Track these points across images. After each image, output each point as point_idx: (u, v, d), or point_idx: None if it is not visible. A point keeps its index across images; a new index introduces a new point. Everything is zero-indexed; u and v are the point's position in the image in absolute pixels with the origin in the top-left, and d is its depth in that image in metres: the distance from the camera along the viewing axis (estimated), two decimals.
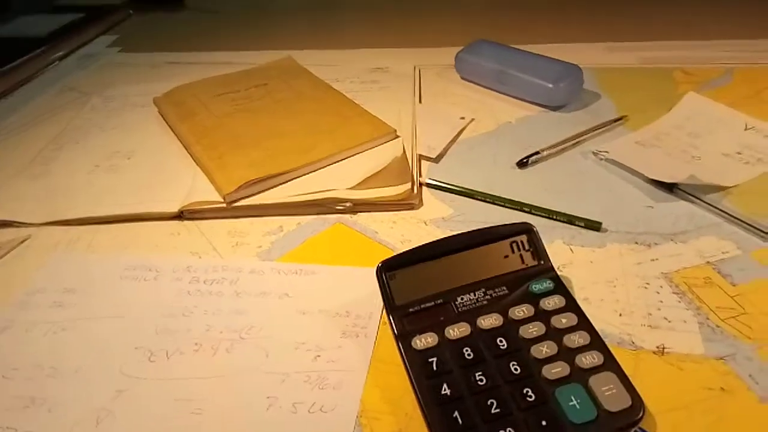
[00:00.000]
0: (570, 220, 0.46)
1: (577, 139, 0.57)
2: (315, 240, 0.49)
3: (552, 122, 0.61)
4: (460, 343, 0.35)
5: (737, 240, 0.43)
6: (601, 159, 0.54)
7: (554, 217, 0.47)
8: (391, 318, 0.37)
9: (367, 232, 0.49)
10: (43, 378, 0.39)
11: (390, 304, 0.37)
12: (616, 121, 0.59)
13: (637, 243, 0.44)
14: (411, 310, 0.37)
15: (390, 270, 0.38)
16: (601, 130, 0.58)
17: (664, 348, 0.36)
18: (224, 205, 0.52)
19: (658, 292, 0.40)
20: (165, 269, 0.47)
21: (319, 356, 0.38)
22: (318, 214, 0.51)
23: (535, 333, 0.35)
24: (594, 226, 0.46)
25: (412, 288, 0.38)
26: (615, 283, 0.41)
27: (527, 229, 0.40)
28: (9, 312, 0.44)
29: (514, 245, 0.39)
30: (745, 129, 0.54)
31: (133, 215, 0.53)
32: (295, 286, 0.44)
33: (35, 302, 0.45)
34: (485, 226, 0.40)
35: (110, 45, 0.98)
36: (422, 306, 0.37)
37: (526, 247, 0.39)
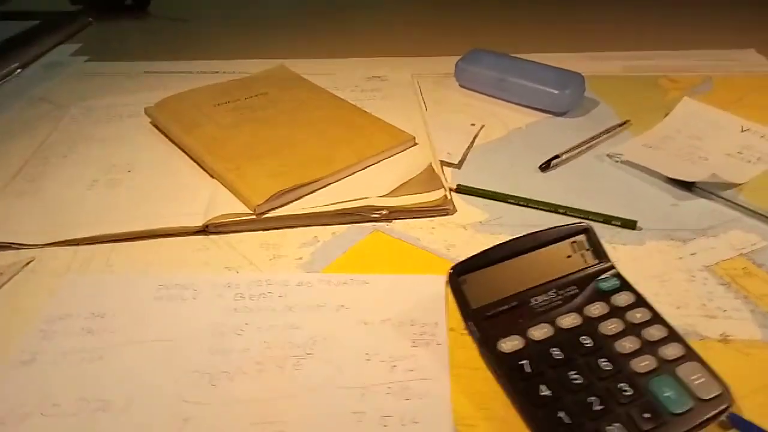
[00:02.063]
0: (606, 219, 0.48)
1: (590, 143, 0.59)
2: (357, 249, 0.47)
3: (560, 128, 0.63)
4: (546, 343, 0.35)
5: (761, 232, 0.47)
6: (616, 161, 0.57)
7: (590, 217, 0.48)
8: (469, 323, 0.37)
9: (408, 239, 0.48)
10: (91, 413, 0.35)
11: (466, 309, 0.37)
12: (621, 125, 0.62)
13: (672, 239, 0.46)
14: (488, 313, 0.37)
15: (462, 274, 0.38)
16: (610, 134, 0.60)
17: (726, 336, 0.38)
18: (254, 216, 0.50)
19: (704, 284, 0.42)
20: (203, 286, 0.44)
21: (395, 366, 0.37)
22: (351, 222, 0.50)
23: (614, 329, 0.36)
24: (630, 224, 0.47)
25: (486, 291, 0.38)
26: (663, 278, 0.43)
27: (585, 229, 0.41)
28: (30, 343, 0.40)
29: (575, 245, 0.40)
30: (742, 131, 0.58)
31: (152, 231, 0.49)
32: (350, 297, 0.43)
33: (59, 330, 0.41)
34: (544, 228, 0.41)
35: (74, 53, 0.91)
36: (499, 309, 0.37)
37: (586, 246, 0.40)
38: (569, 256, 0.40)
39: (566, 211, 0.49)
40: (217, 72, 0.80)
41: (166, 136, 0.63)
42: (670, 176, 0.52)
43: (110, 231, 0.49)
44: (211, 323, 0.41)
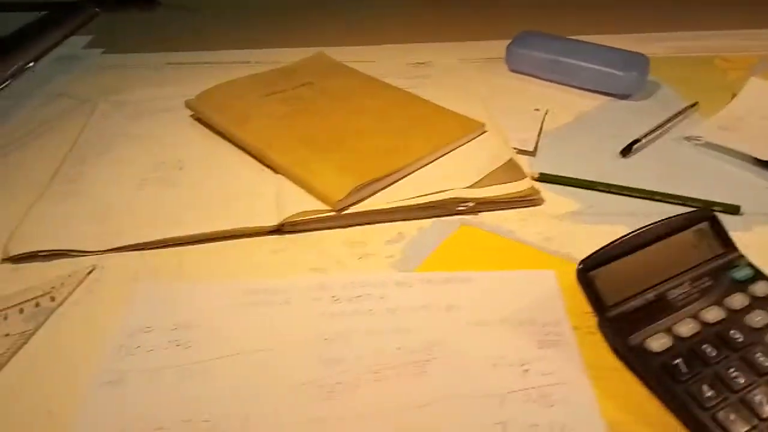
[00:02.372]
0: (706, 205, 0.46)
1: (665, 127, 0.57)
2: (448, 244, 0.44)
3: (627, 111, 0.61)
4: (696, 340, 0.33)
5: None
6: (696, 144, 0.55)
7: (688, 203, 0.46)
8: (605, 321, 0.34)
9: (501, 231, 0.45)
10: None
11: (601, 306, 0.34)
12: (690, 107, 0.60)
13: None
14: (625, 309, 0.34)
15: (592, 269, 0.35)
16: (681, 117, 0.58)
17: None
18: (333, 213, 0.46)
19: None
20: (293, 290, 0.41)
21: (527, 371, 0.34)
22: (434, 216, 0.47)
23: (762, 321, 0.34)
24: (732, 209, 0.45)
25: (619, 286, 0.35)
26: None
27: (708, 217, 0.38)
28: (112, 360, 0.37)
29: (699, 234, 0.38)
30: None
31: (224, 232, 0.46)
32: (457, 296, 0.40)
33: (143, 345, 0.38)
34: (665, 218, 0.38)
35: (86, 46, 0.86)
36: (635, 304, 0.35)
37: (711, 235, 0.38)
38: (695, 246, 0.37)
39: (662, 197, 0.47)
40: (248, 62, 0.76)
41: (213, 130, 0.59)
42: (760, 157, 0.50)
43: (178, 234, 0.46)
44: (313, 330, 0.38)
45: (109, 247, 0.45)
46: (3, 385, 0.36)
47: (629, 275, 0.35)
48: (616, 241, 0.36)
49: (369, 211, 0.47)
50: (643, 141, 0.54)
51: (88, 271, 0.44)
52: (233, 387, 0.35)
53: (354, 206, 0.47)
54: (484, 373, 0.34)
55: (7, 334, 0.39)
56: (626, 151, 0.53)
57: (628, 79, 0.61)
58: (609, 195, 0.49)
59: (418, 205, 0.47)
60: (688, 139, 0.55)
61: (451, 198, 0.47)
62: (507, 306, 0.39)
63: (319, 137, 0.54)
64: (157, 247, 0.46)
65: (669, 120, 0.57)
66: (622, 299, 0.35)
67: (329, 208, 0.46)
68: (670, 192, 0.47)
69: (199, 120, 0.61)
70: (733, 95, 0.61)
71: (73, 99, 0.70)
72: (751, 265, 0.37)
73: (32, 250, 0.45)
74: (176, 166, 0.55)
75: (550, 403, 0.33)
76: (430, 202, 0.47)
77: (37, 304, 0.42)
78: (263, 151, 0.53)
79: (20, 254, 0.45)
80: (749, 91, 0.61)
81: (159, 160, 0.56)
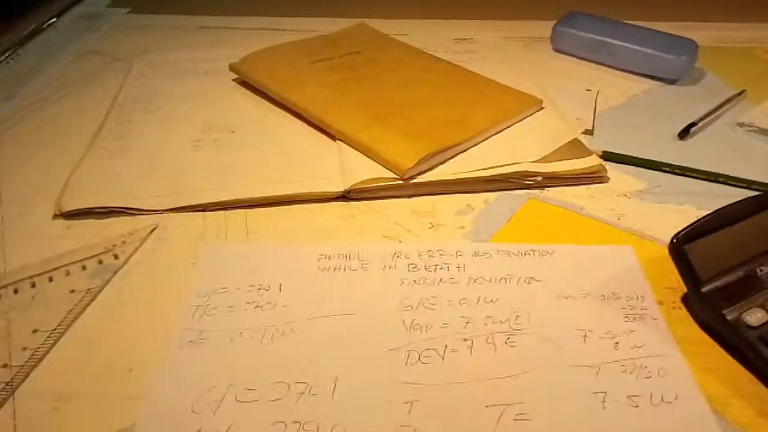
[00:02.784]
0: None
1: (717, 112, 0.57)
2: (519, 217, 0.44)
3: (678, 95, 0.61)
4: None
5: None
6: (748, 130, 0.55)
7: (752, 187, 0.46)
8: (699, 295, 0.34)
9: (571, 207, 0.45)
10: (296, 396, 0.31)
11: (695, 280, 0.34)
12: (738, 95, 0.60)
13: None
14: (717, 284, 0.34)
15: (687, 242, 0.35)
16: (731, 104, 0.59)
17: None
18: (401, 182, 0.45)
19: None
20: (370, 257, 0.40)
21: (617, 343, 0.34)
22: (502, 190, 0.47)
23: None
24: None
25: (711, 261, 0.35)
26: None
27: None
28: (190, 320, 0.36)
29: None
30: None
31: (290, 196, 0.45)
32: (537, 269, 0.39)
33: (221, 305, 0.37)
34: (750, 195, 0.38)
35: (110, 5, 0.83)
36: (728, 279, 0.35)
37: None
38: None
39: (726, 179, 0.47)
40: (283, 30, 0.74)
41: (261, 94, 0.57)
42: None
43: (243, 196, 0.44)
44: (394, 296, 0.37)
45: (171, 207, 0.44)
46: (79, 342, 0.34)
47: (720, 251, 0.35)
48: (706, 216, 0.36)
49: (436, 181, 0.46)
50: (700, 125, 0.55)
51: (150, 230, 0.43)
52: (321, 350, 0.34)
53: (421, 176, 0.46)
54: (576, 345, 0.34)
55: (72, 290, 0.38)
56: (684, 134, 0.53)
57: (678, 64, 0.61)
58: (672, 176, 0.49)
59: (486, 177, 0.46)
60: (740, 125, 0.55)
61: (519, 171, 0.46)
62: (589, 280, 0.38)
63: (376, 106, 0.53)
64: (220, 209, 0.44)
65: (720, 106, 0.57)
66: (715, 274, 0.35)
67: (396, 176, 0.45)
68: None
69: (244, 84, 0.60)
70: None
71: (105, 56, 0.68)
72: None
73: (88, 206, 0.44)
74: (227, 128, 0.53)
75: (646, 374, 0.32)
76: (499, 174, 0.46)
77: (100, 261, 0.40)
78: (321, 117, 0.51)
79: (75, 210, 0.43)
80: None
81: (209, 122, 0.54)
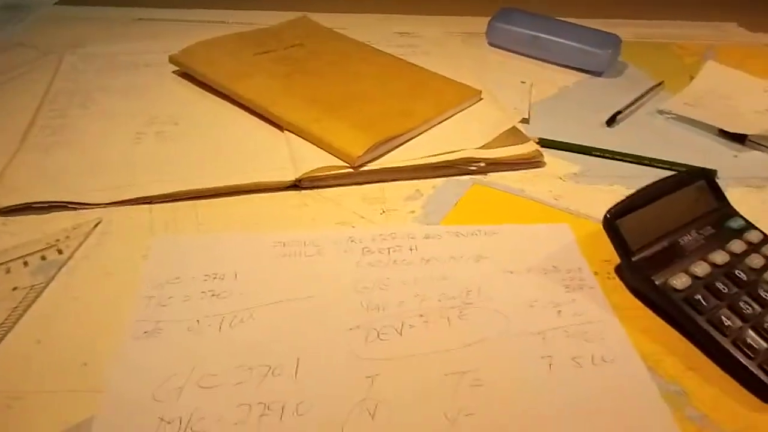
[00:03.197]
0: (690, 170, 0.51)
1: (640, 101, 0.62)
2: (465, 201, 0.46)
3: (603, 87, 0.65)
4: (709, 279, 0.36)
5: None
6: (668, 117, 0.60)
7: (674, 168, 0.51)
8: (630, 264, 0.37)
9: (512, 190, 0.48)
10: (260, 379, 0.32)
11: (627, 251, 0.37)
12: (657, 85, 0.65)
13: (748, 186, 0.50)
14: (646, 254, 0.38)
15: (618, 217, 0.38)
16: (652, 93, 0.64)
17: None
18: (351, 170, 0.46)
19: None
20: (323, 242, 0.41)
21: (560, 312, 0.37)
22: (447, 176, 0.49)
23: (759, 263, 0.38)
24: (710, 173, 0.50)
25: (640, 233, 0.38)
26: (756, 220, 0.46)
27: (705, 175, 0.42)
28: (145, 312, 0.35)
29: (698, 190, 0.42)
30: (765, 91, 0.64)
31: (242, 186, 0.45)
32: (484, 248, 0.41)
33: (176, 295, 0.36)
34: (671, 174, 0.42)
35: None
36: (654, 249, 0.38)
37: (708, 191, 0.42)
38: (696, 200, 0.42)
39: (651, 162, 0.51)
40: (225, 22, 0.73)
41: (204, 86, 0.57)
42: (728, 130, 0.56)
43: (192, 187, 0.44)
44: (351, 279, 0.38)
45: (115, 200, 0.43)
46: (27, 339, 0.33)
47: (647, 224, 0.39)
48: (634, 193, 0.39)
49: (386, 168, 0.47)
50: (625, 113, 0.59)
51: (94, 224, 0.42)
52: (281, 333, 0.34)
53: (370, 164, 0.47)
54: (523, 315, 0.37)
55: (15, 288, 0.36)
56: (611, 122, 0.57)
57: (603, 57, 0.66)
58: (602, 159, 0.52)
59: (432, 164, 0.48)
60: (660, 112, 0.60)
61: (464, 158, 0.48)
62: (531, 255, 0.41)
63: (323, 97, 0.53)
64: (168, 201, 0.44)
65: (642, 95, 0.62)
66: (643, 245, 0.38)
67: (347, 164, 0.46)
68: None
69: (185, 76, 0.59)
70: (691, 77, 0.67)
71: (33, 49, 0.65)
72: (742, 218, 0.42)
73: (26, 201, 0.42)
74: (170, 121, 0.52)
75: (588, 338, 0.35)
76: (445, 161, 0.48)
77: (44, 258, 0.39)
78: (269, 109, 0.51)
79: (12, 206, 0.42)
80: (707, 73, 0.67)
81: (150, 114, 0.53)
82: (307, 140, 0.49)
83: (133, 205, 0.43)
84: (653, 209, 0.39)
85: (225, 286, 0.37)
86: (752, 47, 0.78)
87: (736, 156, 0.54)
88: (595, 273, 0.40)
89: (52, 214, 0.42)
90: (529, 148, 0.50)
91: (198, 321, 0.35)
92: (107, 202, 0.43)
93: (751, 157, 0.55)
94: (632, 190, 0.40)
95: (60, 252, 0.39)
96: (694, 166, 0.51)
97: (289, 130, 0.50)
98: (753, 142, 0.56)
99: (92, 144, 0.49)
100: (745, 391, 0.32)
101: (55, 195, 0.42)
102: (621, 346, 0.35)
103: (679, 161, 0.52)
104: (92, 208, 0.43)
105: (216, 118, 0.53)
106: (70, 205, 0.42)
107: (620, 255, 0.38)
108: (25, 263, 0.38)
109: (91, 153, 0.48)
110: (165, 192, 0.43)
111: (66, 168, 0.45)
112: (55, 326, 0.34)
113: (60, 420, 0.29)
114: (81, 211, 0.43)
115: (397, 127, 0.50)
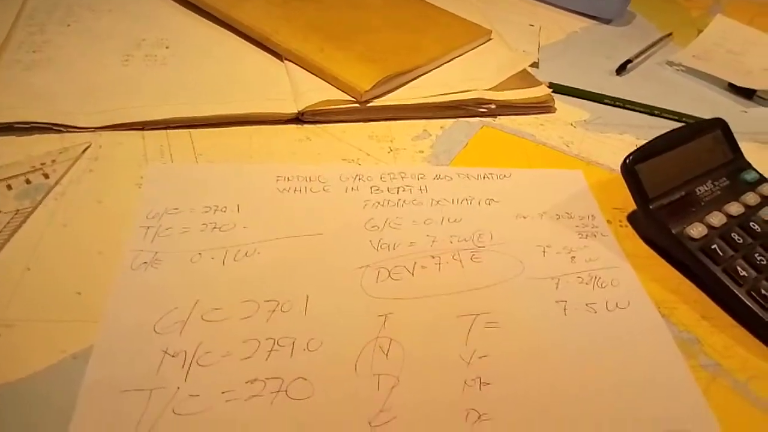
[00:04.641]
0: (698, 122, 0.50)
1: (649, 51, 0.60)
2: (475, 143, 0.44)
3: (612, 34, 0.63)
4: (725, 229, 0.36)
5: None
6: (677, 69, 0.58)
7: (683, 119, 0.50)
8: (648, 211, 0.36)
9: (522, 134, 0.46)
10: (267, 314, 0.30)
11: (645, 198, 0.37)
12: (666, 36, 0.63)
13: (756, 141, 0.49)
14: (663, 202, 0.37)
15: (638, 163, 0.37)
16: (661, 44, 0.62)
17: None
18: (357, 105, 0.44)
19: None
20: (330, 179, 0.39)
21: (574, 257, 0.36)
22: (456, 117, 0.47)
23: None
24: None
25: (657, 181, 0.37)
26: None
27: (721, 125, 0.42)
28: (140, 241, 0.33)
29: (714, 139, 0.41)
30: None
31: (242, 116, 0.42)
32: (496, 191, 0.40)
33: (174, 226, 0.34)
34: (688, 122, 0.41)
35: None
36: (671, 198, 0.37)
37: (724, 141, 0.41)
38: (711, 150, 0.41)
39: (661, 113, 0.50)
40: None
41: (196, 9, 0.53)
42: (737, 84, 0.55)
43: (188, 114, 0.41)
44: (359, 217, 0.37)
45: (105, 124, 0.40)
46: (15, 266, 0.31)
47: (664, 172, 0.38)
48: (653, 140, 0.38)
49: (393, 105, 0.45)
50: (634, 62, 0.57)
51: (83, 148, 0.39)
52: (289, 269, 0.33)
53: (376, 100, 0.45)
54: (536, 260, 0.36)
55: None
56: (620, 70, 0.56)
57: (614, 4, 0.64)
58: (612, 108, 0.51)
59: (442, 103, 0.46)
60: (670, 64, 0.59)
61: (474, 98, 0.46)
62: (543, 201, 0.40)
63: (326, 27, 0.50)
64: (162, 128, 0.41)
65: (651, 45, 0.61)
66: (661, 193, 0.37)
67: (352, 99, 0.44)
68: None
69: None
70: (699, 30, 0.66)
71: None
72: (755, 170, 0.41)
73: (8, 120, 0.38)
74: (160, 44, 0.49)
75: (601, 284, 0.35)
76: (455, 100, 0.46)
77: (28, 181, 0.36)
78: (268, 36, 0.48)
79: None
80: (715, 26, 0.66)
81: (138, 36, 0.49)
82: (309, 71, 0.46)
83: (124, 130, 0.40)
84: (670, 157, 0.38)
85: (227, 219, 0.35)
86: (763, 5, 0.76)
87: (744, 111, 0.54)
88: (608, 221, 0.39)
89: (35, 136, 0.39)
90: (542, 91, 0.48)
91: (200, 253, 0.33)
92: (98, 125, 0.40)
93: (759, 112, 0.54)
94: (644, 141, 0.38)
95: (46, 176, 0.36)
96: (705, 119, 0.50)
97: (289, 60, 0.47)
98: (761, 98, 0.55)
99: (77, 63, 0.45)
100: (757, 341, 0.32)
101: (38, 116, 0.39)
102: (635, 294, 0.34)
103: (688, 113, 0.51)
104: (80, 131, 0.39)
105: (209, 43, 0.49)
106: (55, 127, 0.39)
107: (637, 202, 0.37)
108: (9, 186, 0.35)
109: (77, 73, 0.44)
110: (159, 118, 0.40)
111: (50, 87, 0.42)
112: (44, 253, 0.32)
113: (55, 349, 0.28)
114: (66, 134, 0.39)
115: (406, 63, 0.47)
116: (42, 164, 0.37)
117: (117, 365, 0.27)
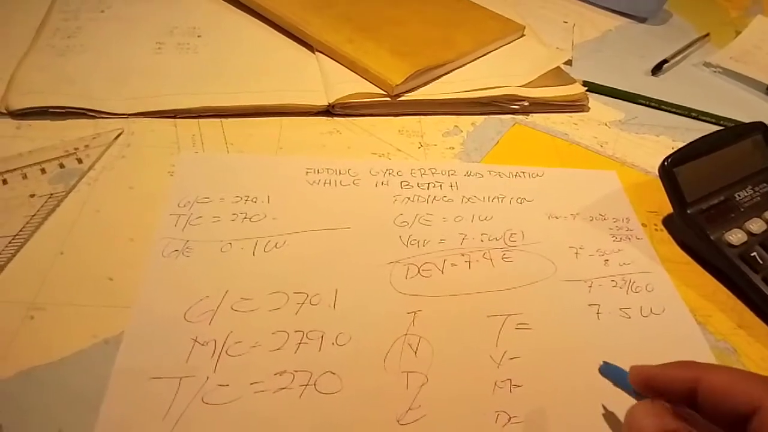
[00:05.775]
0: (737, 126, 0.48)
1: (686, 52, 0.58)
2: (507, 140, 0.44)
3: (647, 34, 0.62)
4: (766, 236, 0.35)
5: None
6: (714, 71, 0.57)
7: (722, 122, 0.48)
8: (685, 216, 0.36)
9: (556, 133, 0.45)
10: (295, 307, 0.30)
11: (682, 202, 0.36)
12: (703, 37, 0.62)
13: None
14: (701, 207, 0.36)
15: (676, 166, 0.36)
16: (698, 45, 0.60)
17: None
18: (388, 99, 0.43)
19: None
20: (360, 172, 0.38)
21: (607, 261, 0.35)
22: (487, 113, 0.46)
23: None
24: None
25: (696, 185, 0.36)
26: None
27: (762, 128, 0.40)
28: (171, 229, 0.33)
29: (754, 143, 0.40)
30: None
31: (272, 107, 0.42)
32: (528, 190, 0.39)
33: (205, 215, 0.34)
34: (728, 126, 0.40)
35: None
36: (710, 203, 0.36)
37: (764, 145, 0.40)
38: (751, 154, 0.39)
39: (698, 115, 0.49)
40: None
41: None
42: None
43: (220, 103, 0.41)
44: (389, 212, 0.36)
45: (138, 111, 0.40)
46: (48, 250, 0.31)
47: (703, 176, 0.37)
48: (692, 143, 0.37)
49: (424, 100, 0.44)
50: (670, 62, 0.56)
51: (115, 135, 0.39)
52: (318, 262, 0.33)
53: (407, 94, 0.44)
54: (568, 262, 0.35)
55: (32, 195, 0.34)
56: (656, 70, 0.55)
57: (650, 3, 0.62)
58: (647, 108, 0.50)
59: (474, 98, 0.45)
60: (707, 65, 0.57)
61: (507, 95, 0.46)
62: (577, 201, 0.39)
63: (358, 19, 0.49)
64: (193, 117, 0.41)
65: (688, 46, 0.59)
66: (699, 197, 0.36)
67: (383, 92, 0.43)
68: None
69: None
70: (737, 32, 0.64)
71: None
72: None
73: (41, 105, 0.39)
74: (192, 33, 0.49)
75: (635, 289, 0.34)
76: (487, 96, 0.45)
77: (62, 165, 0.36)
78: (300, 27, 0.48)
79: (26, 109, 0.39)
80: (755, 27, 0.64)
81: (170, 24, 0.49)
82: (340, 63, 0.45)
83: (156, 118, 0.40)
84: (710, 161, 0.37)
85: (257, 210, 0.35)
86: None
87: None
88: (643, 224, 0.38)
89: (68, 120, 0.39)
90: (576, 89, 0.47)
91: (230, 243, 0.33)
92: (131, 112, 0.40)
93: None
94: (680, 143, 0.38)
95: (80, 161, 0.36)
96: (746, 122, 0.48)
97: (320, 51, 0.47)
98: None
99: (110, 50, 0.45)
100: None
101: (73, 101, 0.39)
102: (670, 300, 0.34)
103: (727, 116, 0.49)
104: (113, 117, 0.40)
105: (241, 33, 0.49)
106: (89, 113, 0.39)
107: (674, 206, 0.36)
108: (43, 170, 0.36)
109: (110, 59, 0.44)
110: (192, 106, 0.40)
111: (84, 73, 0.42)
112: (77, 238, 0.32)
113: (87, 333, 0.28)
114: (100, 120, 0.40)
115: (438, 57, 0.46)
116: (75, 149, 0.37)
117: (147, 352, 0.27)
